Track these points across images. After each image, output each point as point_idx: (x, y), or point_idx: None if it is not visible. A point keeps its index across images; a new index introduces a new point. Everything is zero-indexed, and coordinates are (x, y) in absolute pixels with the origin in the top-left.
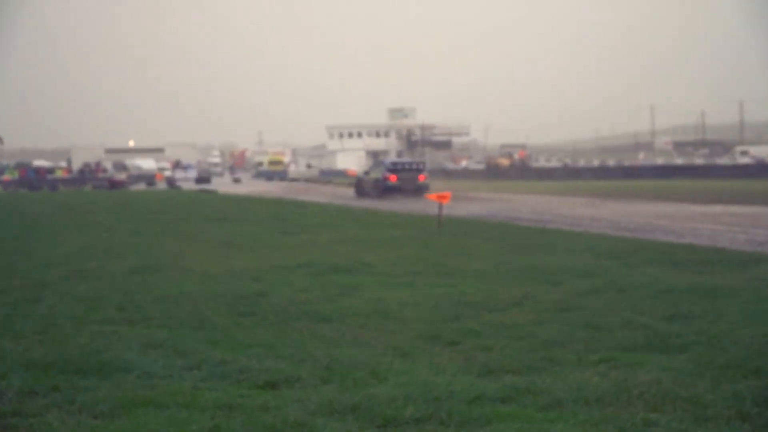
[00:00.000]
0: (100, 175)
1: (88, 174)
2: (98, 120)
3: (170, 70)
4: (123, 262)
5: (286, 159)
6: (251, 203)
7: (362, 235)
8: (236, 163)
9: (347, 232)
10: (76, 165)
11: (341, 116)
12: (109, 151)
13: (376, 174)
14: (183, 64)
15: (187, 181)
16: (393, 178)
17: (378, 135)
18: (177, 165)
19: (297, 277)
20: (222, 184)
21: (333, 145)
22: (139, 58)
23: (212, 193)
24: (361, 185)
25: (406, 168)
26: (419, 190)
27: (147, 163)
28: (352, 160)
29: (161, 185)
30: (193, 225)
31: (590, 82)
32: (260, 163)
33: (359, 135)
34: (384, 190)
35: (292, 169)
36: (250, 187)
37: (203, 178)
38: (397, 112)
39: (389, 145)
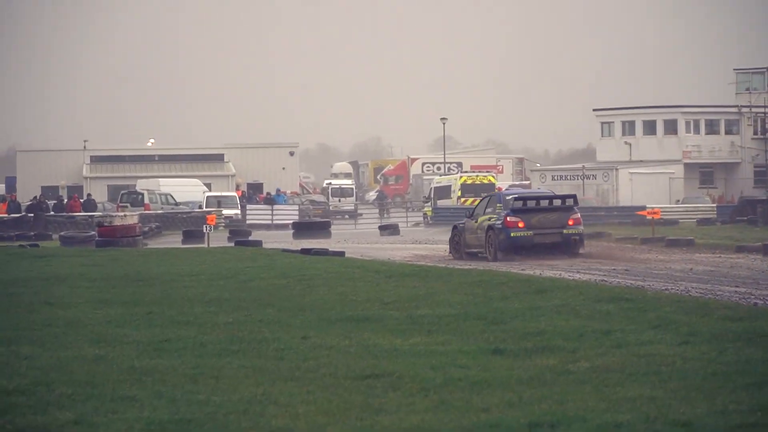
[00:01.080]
0: (80, 214)
1: (52, 211)
2: (70, 97)
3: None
4: (141, 414)
5: (503, 183)
6: (421, 282)
7: (675, 358)
8: (388, 189)
9: (641, 348)
10: (27, 191)
11: (622, 95)
12: (99, 159)
13: (488, 216)
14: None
15: (276, 230)
16: (520, 224)
17: (711, 127)
18: (253, 194)
19: None
20: (355, 238)
21: (609, 150)
22: None
23: (334, 259)
24: (460, 237)
25: (541, 206)
26: (567, 245)
27: (187, 189)
28: (651, 183)
29: (217, 237)
30: (292, 332)
31: None
32: (442, 190)
33: (671, 129)
34: (505, 245)
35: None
36: (418, 245)
37: (313, 224)
38: (755, 77)
39: (737, 153)
